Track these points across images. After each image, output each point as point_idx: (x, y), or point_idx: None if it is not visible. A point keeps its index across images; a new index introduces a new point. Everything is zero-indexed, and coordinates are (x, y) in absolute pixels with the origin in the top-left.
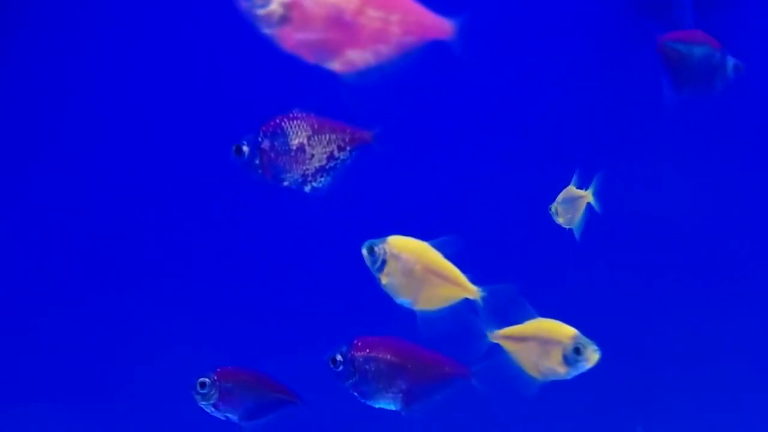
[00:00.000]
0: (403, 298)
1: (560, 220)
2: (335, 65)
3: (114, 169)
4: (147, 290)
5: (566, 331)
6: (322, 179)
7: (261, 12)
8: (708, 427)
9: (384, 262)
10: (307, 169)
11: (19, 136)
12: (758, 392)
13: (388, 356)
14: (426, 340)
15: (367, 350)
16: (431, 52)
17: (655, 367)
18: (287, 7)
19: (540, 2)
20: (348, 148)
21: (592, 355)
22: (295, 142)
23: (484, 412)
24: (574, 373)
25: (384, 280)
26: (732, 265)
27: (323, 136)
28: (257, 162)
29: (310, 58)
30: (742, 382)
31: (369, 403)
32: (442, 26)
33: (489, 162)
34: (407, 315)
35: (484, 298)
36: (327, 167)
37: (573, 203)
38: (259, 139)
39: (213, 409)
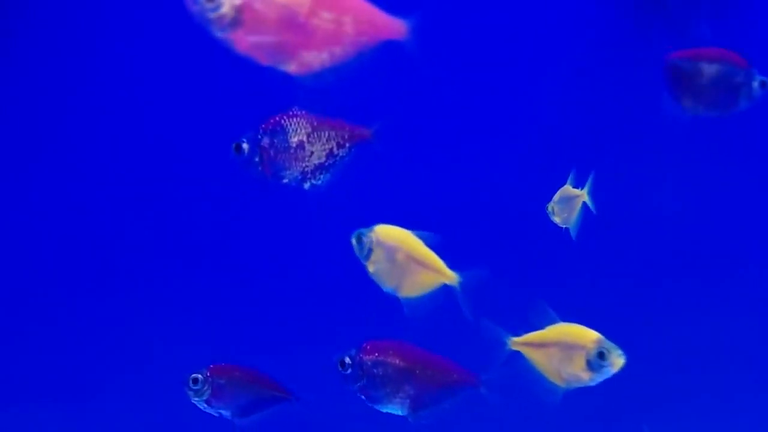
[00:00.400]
0: (388, 286)
1: (557, 220)
2: (290, 67)
3: (112, 167)
4: (145, 289)
5: (589, 335)
6: (322, 176)
7: (212, 15)
8: (711, 427)
9: (370, 250)
10: (307, 167)
11: (17, 136)
12: (759, 392)
13: (397, 361)
14: (432, 344)
15: (376, 354)
16: (429, 51)
17: (656, 366)
18: (238, 10)
19: (540, 4)
20: (347, 145)
21: (617, 360)
22: (294, 140)
23: (486, 410)
24: (598, 379)
25: (371, 268)
26: (728, 265)
27: (323, 134)
28: (257, 159)
29: (264, 60)
30: (743, 381)
31: (376, 407)
32: (395, 26)
33: (487, 162)
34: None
35: (461, 284)
36: (326, 164)
37: (569, 203)
38: (259, 137)
39: (206, 405)
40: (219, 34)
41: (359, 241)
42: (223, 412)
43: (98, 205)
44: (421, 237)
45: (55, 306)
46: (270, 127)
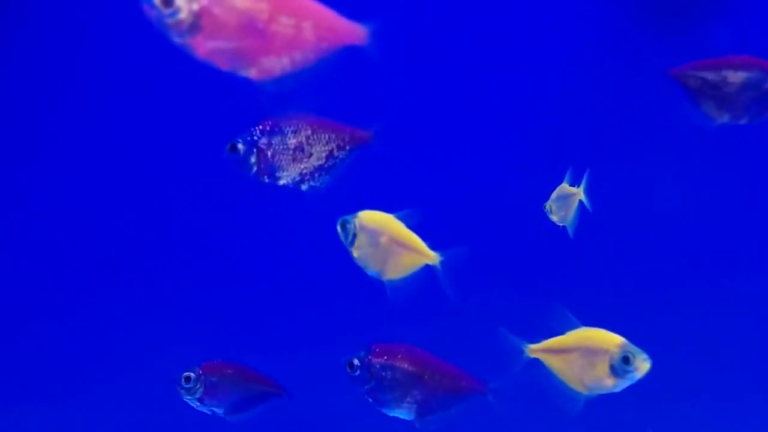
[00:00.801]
0: (372, 270)
1: (554, 218)
2: (250, 73)
3: (107, 167)
4: (142, 290)
5: (613, 339)
6: (320, 178)
7: (170, 21)
8: (715, 427)
9: (354, 236)
10: (305, 168)
11: (12, 136)
12: (761, 392)
13: (406, 365)
14: (444, 348)
15: (385, 357)
16: (428, 52)
17: (656, 365)
18: (196, 16)
19: (538, 4)
20: (347, 147)
21: (643, 365)
22: (293, 141)
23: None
24: (623, 385)
25: (355, 253)
26: (724, 262)
27: (322, 135)
28: (253, 160)
29: (224, 66)
30: (744, 382)
31: (384, 410)
32: (355, 31)
33: (488, 162)
34: (400, 315)
35: (442, 263)
36: (326, 166)
37: (565, 201)
38: (256, 138)
39: (198, 403)
40: (177, 40)
41: (344, 228)
42: (215, 409)
43: (94, 205)
44: (402, 216)
45: (51, 305)
46: (268, 127)
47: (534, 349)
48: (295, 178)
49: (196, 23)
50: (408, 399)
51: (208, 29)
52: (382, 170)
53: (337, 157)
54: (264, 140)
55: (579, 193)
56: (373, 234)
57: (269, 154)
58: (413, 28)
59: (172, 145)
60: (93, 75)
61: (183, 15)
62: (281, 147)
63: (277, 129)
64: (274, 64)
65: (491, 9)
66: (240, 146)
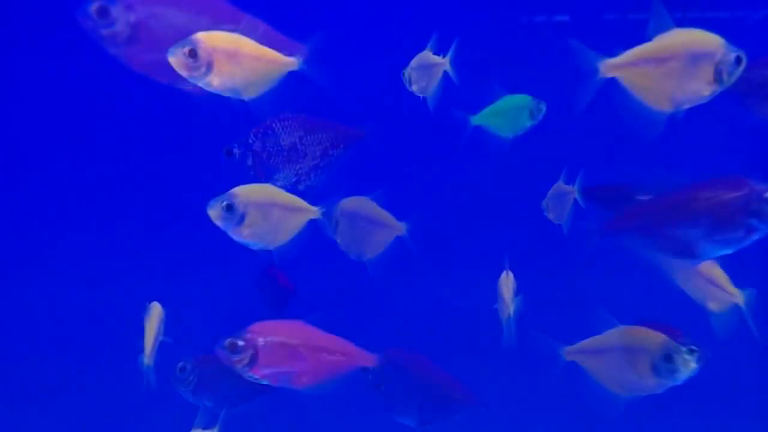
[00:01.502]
0: (354, 254)
1: (551, 216)
2: (189, 86)
3: (102, 169)
4: (139, 289)
5: (653, 337)
6: (317, 177)
7: (105, 32)
8: (712, 427)
9: (337, 222)
10: (301, 168)
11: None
12: (757, 392)
13: (412, 372)
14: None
15: (395, 362)
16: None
17: None
18: (134, 28)
19: (540, 3)
20: (342, 146)
21: (688, 363)
22: (286, 142)
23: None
24: (665, 385)
25: (339, 239)
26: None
27: (315, 135)
28: (249, 163)
29: (161, 78)
30: (743, 381)
31: (391, 414)
32: (294, 48)
33: (489, 162)
34: (397, 318)
35: (408, 230)
36: (321, 165)
37: (561, 199)
38: (251, 141)
39: (192, 395)
40: (113, 51)
41: (328, 217)
42: (208, 402)
43: (94, 206)
44: (374, 197)
45: (49, 304)
46: (261, 130)
47: (570, 352)
48: (291, 178)
49: (133, 35)
50: (412, 405)
51: (145, 41)
52: (381, 170)
53: (331, 156)
54: (258, 143)
55: (573, 191)
56: (349, 218)
57: (264, 156)
58: (411, 24)
59: (172, 145)
60: (91, 76)
61: (119, 26)
62: (276, 149)
63: (270, 131)
64: (213, 78)
65: (492, 6)
66: (236, 150)
